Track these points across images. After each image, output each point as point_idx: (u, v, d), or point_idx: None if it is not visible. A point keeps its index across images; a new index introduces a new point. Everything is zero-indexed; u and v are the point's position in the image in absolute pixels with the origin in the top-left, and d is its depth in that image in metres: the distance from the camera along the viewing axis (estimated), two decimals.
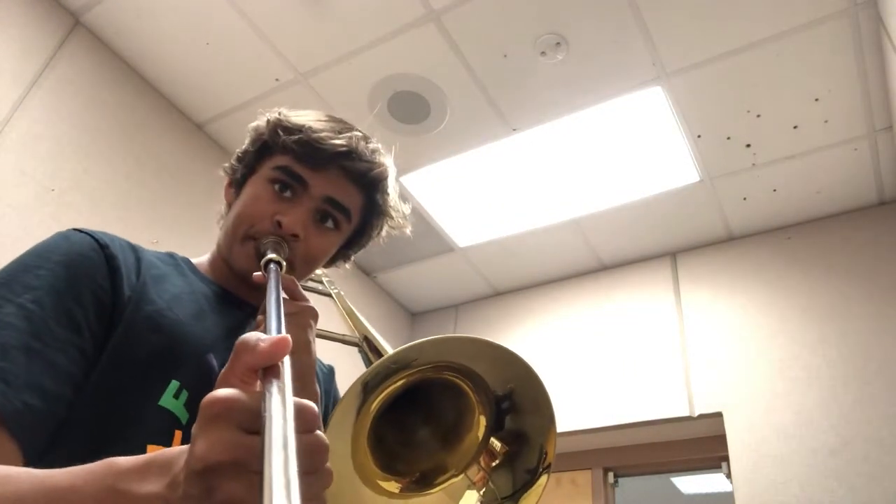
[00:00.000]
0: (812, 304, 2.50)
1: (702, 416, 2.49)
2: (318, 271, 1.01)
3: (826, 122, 2.27)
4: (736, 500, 2.26)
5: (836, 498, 2.10)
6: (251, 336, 0.46)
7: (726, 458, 2.39)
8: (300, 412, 0.42)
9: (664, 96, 2.26)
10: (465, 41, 2.17)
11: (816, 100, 2.20)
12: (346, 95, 2.40)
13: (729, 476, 2.36)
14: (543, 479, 0.65)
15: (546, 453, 0.65)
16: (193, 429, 0.43)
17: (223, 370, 0.48)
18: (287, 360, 0.45)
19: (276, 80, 2.37)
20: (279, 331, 0.50)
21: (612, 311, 2.95)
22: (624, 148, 2.47)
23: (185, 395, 0.72)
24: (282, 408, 0.40)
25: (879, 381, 2.23)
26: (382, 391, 0.62)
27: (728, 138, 2.38)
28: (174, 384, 0.72)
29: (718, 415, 2.45)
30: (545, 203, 2.76)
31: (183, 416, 0.72)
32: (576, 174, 2.61)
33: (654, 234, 2.87)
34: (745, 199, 2.63)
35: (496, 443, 0.68)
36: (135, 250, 0.82)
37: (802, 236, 2.67)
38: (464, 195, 2.76)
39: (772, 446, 2.29)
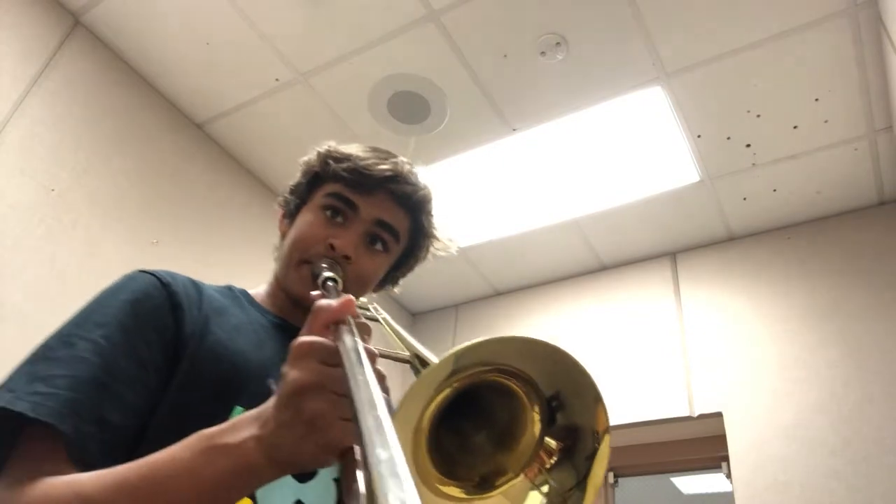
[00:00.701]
0: (812, 304, 2.50)
1: (702, 416, 2.49)
2: (364, 299, 1.05)
3: (826, 122, 2.27)
4: (736, 500, 2.26)
5: (836, 498, 2.10)
6: (323, 301, 0.60)
7: (726, 458, 2.39)
8: (367, 351, 0.54)
9: (664, 96, 2.26)
10: (465, 41, 2.17)
11: (816, 100, 2.20)
12: (346, 95, 2.40)
13: (729, 476, 2.36)
14: (606, 446, 0.65)
15: (598, 432, 0.65)
16: (283, 368, 0.55)
17: (301, 330, 0.59)
18: (351, 320, 0.58)
19: (276, 80, 2.37)
20: (356, 340, 0.56)
21: (612, 311, 2.95)
22: (624, 148, 2.47)
23: (259, 407, 0.75)
24: (355, 345, 0.52)
25: (879, 381, 2.23)
26: (436, 395, 0.63)
27: (728, 138, 2.38)
28: (238, 409, 0.76)
29: (718, 415, 2.45)
30: (545, 203, 2.76)
31: None
32: (576, 174, 2.61)
33: (654, 234, 2.87)
34: (745, 199, 2.63)
35: (551, 441, 0.68)
36: (196, 286, 0.86)
37: (802, 236, 2.67)
38: (464, 195, 2.76)
39: (772, 446, 2.29)
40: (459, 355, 0.60)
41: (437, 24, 2.12)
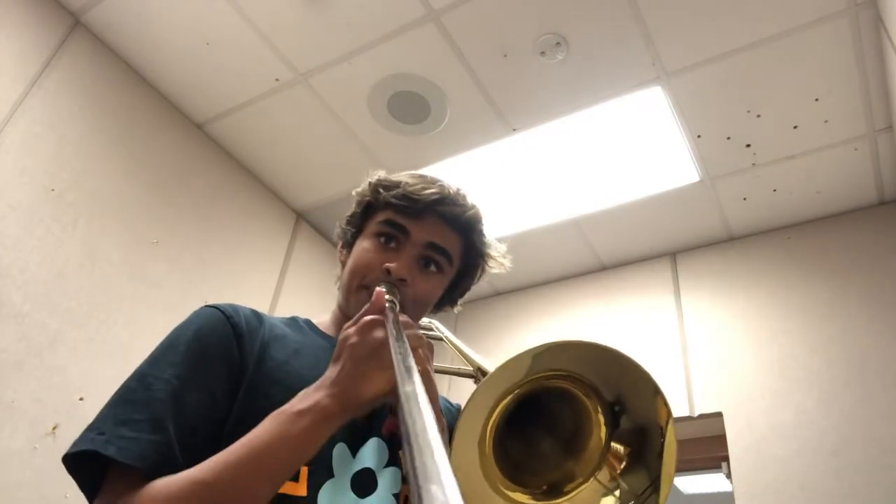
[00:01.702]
0: (812, 304, 2.50)
1: (702, 416, 2.49)
2: (426, 320, 1.10)
3: (826, 122, 2.27)
4: (736, 500, 2.26)
5: (836, 498, 2.10)
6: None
7: (726, 458, 2.39)
8: (404, 321, 0.74)
9: (664, 96, 2.26)
10: (465, 41, 2.17)
11: (816, 100, 2.20)
12: (346, 95, 2.40)
13: (729, 476, 2.36)
14: (671, 436, 0.66)
15: (662, 426, 0.66)
16: (352, 338, 0.72)
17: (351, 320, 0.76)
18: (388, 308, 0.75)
19: (276, 80, 2.37)
20: (400, 361, 0.64)
21: (612, 311, 2.95)
22: (624, 148, 2.47)
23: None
24: (394, 316, 0.73)
25: (879, 381, 2.23)
26: (501, 401, 0.65)
27: (728, 138, 2.38)
28: None
29: (718, 415, 2.45)
30: (545, 203, 2.76)
31: None
32: (576, 174, 2.61)
33: (654, 234, 2.87)
34: (745, 199, 2.63)
35: (618, 446, 0.70)
36: (258, 316, 0.92)
37: (802, 236, 2.67)
38: None
39: (772, 446, 2.29)
40: (518, 361, 0.62)
41: (437, 24, 2.12)
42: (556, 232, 2.90)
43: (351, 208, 1.02)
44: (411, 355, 0.60)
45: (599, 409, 0.69)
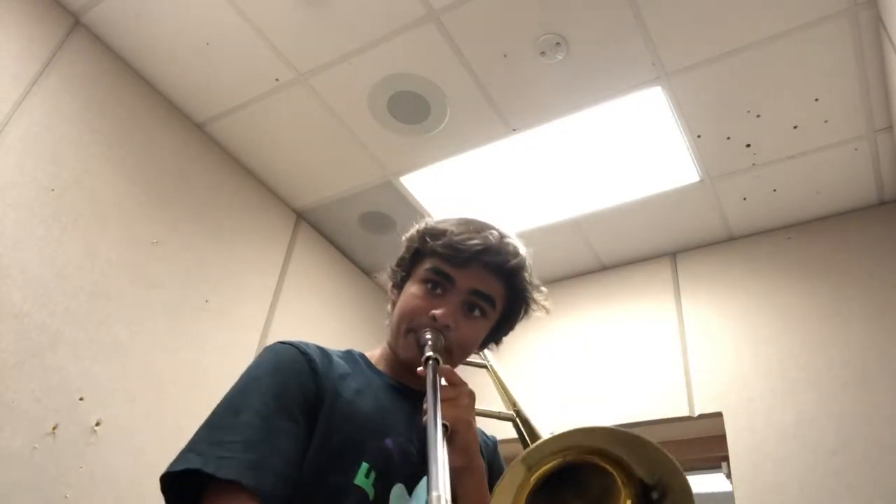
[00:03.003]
0: (812, 304, 2.50)
1: (702, 416, 2.49)
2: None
3: (826, 122, 2.27)
4: (736, 500, 2.26)
5: (836, 498, 2.10)
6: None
7: (726, 458, 2.39)
8: (446, 371, 0.89)
9: (664, 96, 2.26)
10: (465, 41, 2.17)
11: (816, 100, 2.20)
12: (346, 95, 2.40)
13: (729, 476, 2.36)
14: None
15: None
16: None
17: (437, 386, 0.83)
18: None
19: (276, 80, 2.37)
20: (436, 417, 0.74)
21: (612, 311, 2.95)
22: (624, 148, 2.47)
23: (373, 475, 0.88)
24: (434, 393, 0.81)
25: (879, 381, 2.23)
26: (539, 468, 0.70)
27: (728, 138, 2.38)
28: (364, 465, 0.87)
29: (718, 415, 2.45)
30: (545, 203, 2.76)
31: (371, 492, 0.86)
32: (576, 174, 2.61)
33: (654, 234, 2.87)
34: (745, 199, 2.63)
35: None
36: (325, 353, 0.98)
37: (802, 236, 2.67)
38: (464, 195, 2.76)
39: (772, 446, 2.29)
40: (563, 438, 0.66)
41: (436, 24, 2.12)
42: (556, 232, 2.90)
43: (400, 252, 1.08)
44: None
45: (633, 494, 0.73)
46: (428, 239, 1.02)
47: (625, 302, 2.93)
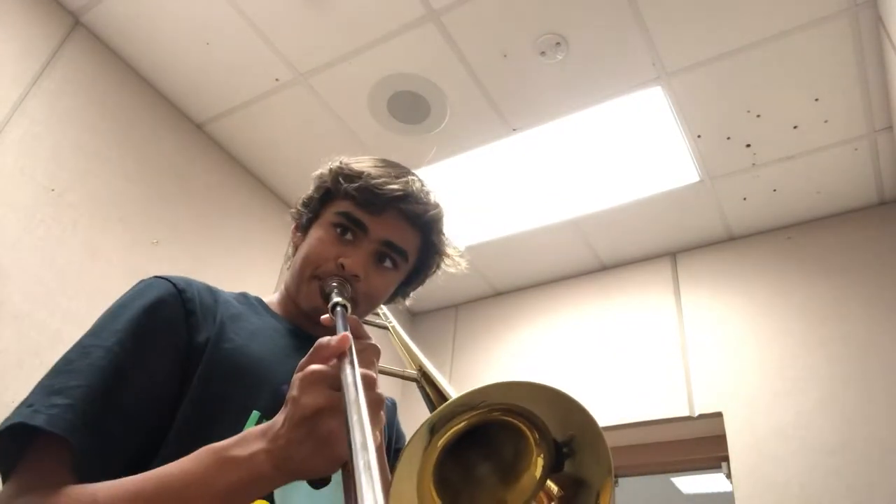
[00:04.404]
0: (812, 304, 2.50)
1: (702, 416, 2.49)
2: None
3: (826, 122, 2.27)
4: (736, 500, 2.26)
5: (836, 498, 2.10)
6: (323, 339, 0.64)
7: (726, 458, 2.39)
8: (365, 378, 0.60)
9: (664, 96, 2.26)
10: (465, 41, 2.17)
11: (816, 100, 2.20)
12: (346, 95, 2.40)
13: (729, 476, 2.36)
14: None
15: (599, 499, 0.67)
16: (292, 392, 0.60)
17: (303, 359, 0.63)
18: (353, 348, 0.63)
19: (276, 80, 2.37)
20: (354, 368, 0.62)
21: (612, 311, 2.95)
22: (624, 148, 2.47)
23: (265, 423, 0.78)
24: (352, 376, 0.59)
25: (879, 381, 2.23)
26: (447, 431, 0.65)
27: (728, 138, 2.38)
28: (255, 414, 0.78)
29: (718, 415, 2.45)
30: (545, 203, 2.76)
31: None
32: (576, 174, 2.61)
33: (654, 234, 2.87)
34: (745, 199, 2.63)
35: (553, 486, 0.70)
36: (212, 292, 0.88)
37: (802, 236, 2.67)
38: (464, 195, 2.76)
39: (772, 446, 2.29)
40: (470, 396, 0.63)
41: (436, 24, 2.12)
42: (556, 232, 2.90)
43: (309, 191, 0.98)
44: (369, 449, 0.49)
45: (544, 449, 0.70)
46: (341, 180, 0.92)
47: (625, 302, 2.93)
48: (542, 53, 2.16)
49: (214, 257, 2.49)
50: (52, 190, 2.02)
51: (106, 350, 0.72)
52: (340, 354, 0.62)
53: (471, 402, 0.64)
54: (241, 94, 2.45)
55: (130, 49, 2.33)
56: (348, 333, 0.65)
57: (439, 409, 0.62)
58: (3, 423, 0.66)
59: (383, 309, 1.11)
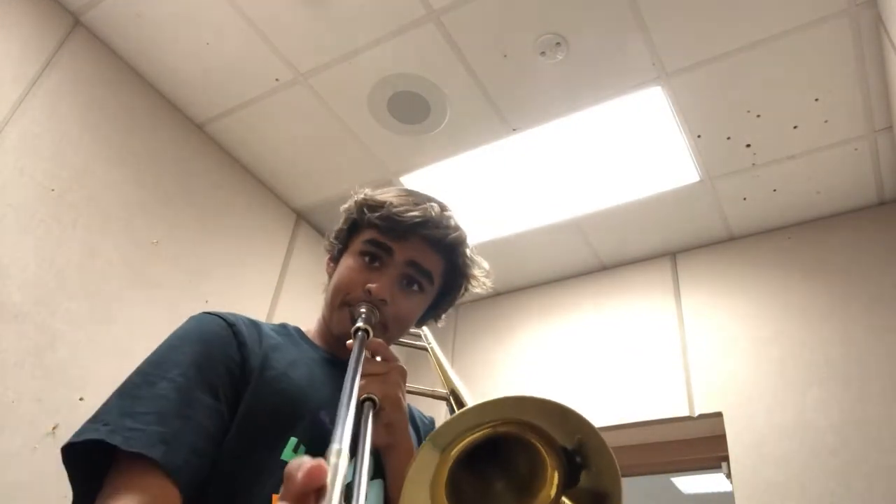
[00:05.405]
0: (812, 304, 2.50)
1: (702, 416, 2.49)
2: (414, 329, 1.10)
3: (826, 122, 2.27)
4: (736, 500, 2.26)
5: (836, 498, 2.10)
6: (293, 465, 0.48)
7: (726, 458, 2.39)
8: (389, 398, 0.67)
9: (664, 96, 2.26)
10: (465, 41, 2.17)
11: (816, 100, 2.20)
12: (346, 95, 2.40)
13: (729, 476, 2.36)
14: None
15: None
16: None
17: (281, 492, 0.51)
18: (339, 471, 0.50)
19: (276, 80, 2.37)
20: (351, 394, 0.64)
21: (612, 311, 2.95)
22: (624, 148, 2.47)
23: (302, 449, 0.82)
24: (356, 362, 0.65)
25: (879, 381, 2.23)
26: (456, 445, 0.66)
27: (728, 138, 2.38)
28: (293, 440, 0.82)
29: (718, 415, 2.45)
30: (545, 203, 2.76)
31: None
32: (576, 174, 2.61)
33: (654, 234, 2.87)
34: (745, 199, 2.63)
35: (568, 502, 0.71)
36: (255, 325, 0.93)
37: (802, 236, 2.67)
38: (464, 195, 2.76)
39: (772, 446, 2.29)
40: (483, 409, 0.64)
41: (437, 24, 2.12)
42: (556, 232, 2.90)
43: (338, 224, 1.04)
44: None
45: (558, 464, 0.70)
46: (366, 210, 0.98)
47: (625, 302, 2.93)
48: (542, 53, 2.16)
49: (214, 257, 2.49)
50: (52, 190, 2.02)
51: (170, 381, 0.77)
52: (319, 489, 0.48)
53: (476, 416, 0.65)
54: (241, 94, 2.45)
55: (130, 49, 2.33)
56: (321, 464, 0.49)
57: (443, 423, 0.63)
58: (78, 436, 0.71)
59: (425, 331, 1.16)
